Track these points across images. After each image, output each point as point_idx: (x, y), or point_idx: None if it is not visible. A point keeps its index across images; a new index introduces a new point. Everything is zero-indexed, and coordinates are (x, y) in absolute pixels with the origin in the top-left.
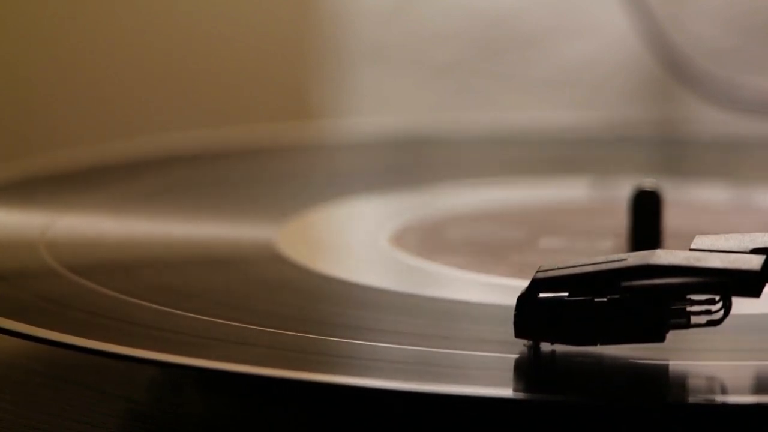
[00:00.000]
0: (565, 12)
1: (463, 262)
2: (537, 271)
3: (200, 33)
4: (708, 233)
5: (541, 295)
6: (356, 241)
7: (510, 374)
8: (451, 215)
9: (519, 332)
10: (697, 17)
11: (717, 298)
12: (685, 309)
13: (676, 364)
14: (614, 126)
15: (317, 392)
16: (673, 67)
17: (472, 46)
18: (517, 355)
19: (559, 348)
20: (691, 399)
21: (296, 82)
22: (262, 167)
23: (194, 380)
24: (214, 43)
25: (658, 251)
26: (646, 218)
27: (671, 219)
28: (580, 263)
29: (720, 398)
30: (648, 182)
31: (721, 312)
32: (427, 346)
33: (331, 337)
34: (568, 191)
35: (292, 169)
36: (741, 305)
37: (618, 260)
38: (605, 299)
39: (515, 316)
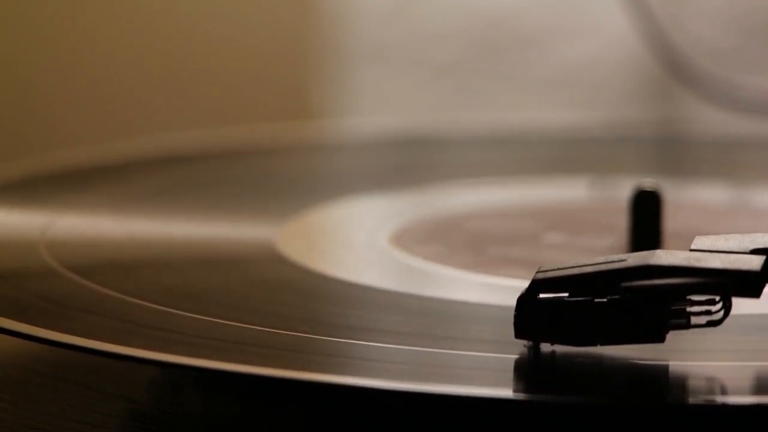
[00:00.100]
0: (565, 12)
1: (463, 263)
2: (537, 272)
3: (200, 33)
4: (708, 233)
5: (541, 295)
6: (356, 241)
7: (510, 375)
8: (451, 215)
9: (519, 333)
10: (697, 17)
11: (717, 298)
12: (685, 309)
13: (676, 365)
14: (614, 126)
15: (317, 392)
16: (673, 67)
17: (472, 46)
18: (517, 356)
19: (559, 348)
20: (691, 399)
21: (296, 82)
22: (262, 167)
23: (194, 380)
24: (214, 43)
25: (658, 252)
26: (646, 218)
27: (671, 219)
28: (580, 264)
29: (720, 399)
30: (648, 182)
31: (721, 312)
32: (427, 347)
33: (330, 337)
34: (568, 191)
35: (292, 169)
36: (741, 305)
37: (618, 261)
38: (605, 300)
39: (515, 316)
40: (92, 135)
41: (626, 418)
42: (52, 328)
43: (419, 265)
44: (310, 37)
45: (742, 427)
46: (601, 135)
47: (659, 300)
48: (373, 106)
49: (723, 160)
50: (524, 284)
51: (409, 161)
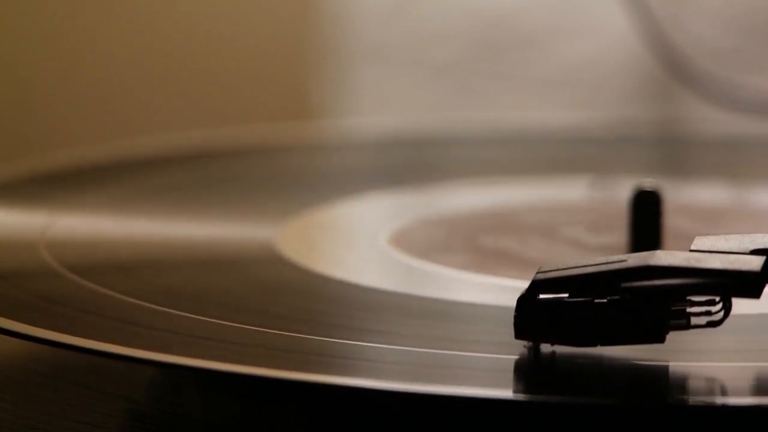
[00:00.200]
0: (565, 12)
1: (463, 263)
2: (537, 272)
3: (200, 33)
4: (708, 233)
5: (541, 296)
6: (356, 241)
7: (510, 375)
8: (452, 215)
9: (519, 333)
10: (697, 17)
11: (717, 299)
12: (685, 310)
13: (676, 365)
14: (614, 126)
15: (317, 393)
16: (673, 67)
17: (472, 46)
18: (517, 357)
19: (559, 349)
20: (691, 400)
21: (296, 82)
22: (262, 167)
23: (194, 380)
24: (214, 43)
25: (658, 252)
26: (646, 218)
27: (671, 219)
28: (580, 264)
29: (720, 399)
30: (648, 182)
31: (721, 313)
32: (427, 347)
33: (330, 337)
34: (568, 191)
35: (292, 169)
36: (741, 305)
37: (618, 261)
38: (605, 300)
39: (515, 317)
40: (92, 135)
41: (626, 418)
42: (52, 328)
43: (419, 266)
44: (310, 37)
45: (743, 428)
46: (601, 135)
47: (659, 300)
48: (373, 106)
49: (723, 160)
50: (524, 285)
51: (409, 161)
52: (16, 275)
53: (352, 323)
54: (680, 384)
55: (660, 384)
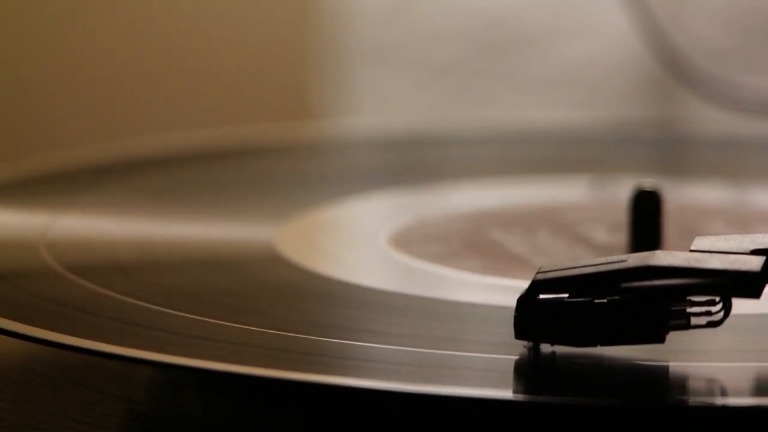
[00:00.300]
0: (565, 12)
1: (463, 263)
2: (537, 272)
3: (200, 33)
4: (708, 233)
5: (541, 296)
6: (356, 241)
7: (510, 375)
8: (452, 215)
9: (519, 333)
10: (697, 17)
11: (717, 299)
12: (685, 310)
13: (676, 365)
14: (614, 126)
15: (317, 393)
16: (673, 67)
17: (472, 46)
18: (517, 357)
19: (559, 349)
20: (691, 400)
21: (296, 82)
22: (262, 167)
23: (194, 381)
24: (214, 43)
25: (658, 252)
26: (646, 218)
27: (671, 219)
28: (580, 264)
29: (720, 399)
30: (648, 182)
31: (721, 313)
32: (427, 348)
33: (330, 338)
34: (568, 191)
35: (292, 169)
36: (741, 305)
37: (618, 261)
38: (605, 300)
39: (515, 317)
40: (92, 135)
41: (626, 418)
42: (52, 329)
43: (419, 266)
44: (310, 37)
45: (743, 428)
46: (601, 135)
47: (659, 301)
48: (373, 106)
49: (723, 160)
50: (524, 285)
51: (409, 161)
52: (16, 275)
53: (352, 323)
54: (680, 384)
55: (660, 384)
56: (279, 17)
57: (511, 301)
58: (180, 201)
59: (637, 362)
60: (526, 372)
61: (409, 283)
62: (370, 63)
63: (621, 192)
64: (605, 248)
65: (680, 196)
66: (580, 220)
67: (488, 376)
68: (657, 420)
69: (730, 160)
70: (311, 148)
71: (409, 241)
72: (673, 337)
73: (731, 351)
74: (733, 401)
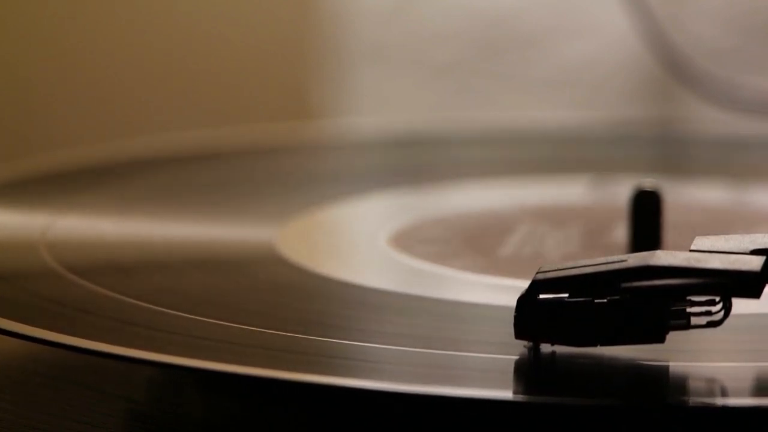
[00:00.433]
0: (565, 12)
1: (464, 263)
2: (537, 272)
3: (200, 33)
4: (708, 233)
5: (541, 296)
6: (356, 241)
7: (510, 375)
8: (452, 215)
9: (519, 333)
10: (697, 17)
11: (717, 299)
12: (685, 310)
13: (676, 365)
14: (614, 126)
15: (316, 394)
16: (673, 67)
17: (472, 46)
18: (517, 357)
19: (559, 349)
20: (691, 400)
21: (296, 82)
22: (262, 167)
23: (194, 381)
24: (214, 43)
25: (658, 252)
26: (646, 218)
27: (671, 219)
28: (580, 264)
29: (720, 400)
30: (648, 182)
31: (721, 313)
32: (427, 347)
33: (330, 338)
34: (568, 191)
35: (292, 169)
36: (741, 305)
37: (618, 261)
38: (605, 300)
39: (515, 317)
40: (92, 135)
41: (626, 418)
42: (52, 329)
43: (419, 266)
44: (310, 37)
45: (743, 428)
46: (601, 135)
47: (659, 300)
48: (373, 106)
49: (723, 160)
50: (524, 285)
51: (409, 161)
52: (16, 276)
53: (352, 323)
54: (680, 384)
55: (660, 384)
56: (279, 17)
57: (511, 301)
58: (180, 201)
59: (637, 362)
60: (526, 372)
61: (409, 283)
62: (370, 63)
63: (621, 192)
64: (605, 248)
65: (680, 196)
66: (579, 220)
67: (488, 376)
68: (657, 420)
69: (730, 160)
70: (311, 148)
71: (409, 241)
72: (673, 337)
73: (731, 351)
74: (733, 401)
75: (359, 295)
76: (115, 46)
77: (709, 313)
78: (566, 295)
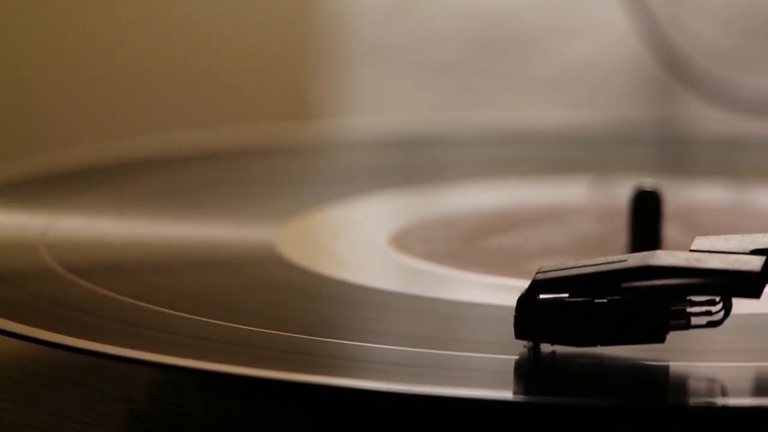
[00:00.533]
0: (565, 12)
1: (463, 263)
2: (537, 272)
3: (200, 33)
4: (708, 233)
5: (542, 296)
6: (356, 241)
7: (510, 375)
8: (452, 215)
9: (519, 333)
10: (697, 17)
11: (717, 299)
12: (685, 310)
13: (676, 365)
14: (614, 126)
15: (317, 394)
16: (673, 67)
17: (472, 46)
18: (517, 357)
19: (560, 349)
20: (691, 400)
21: (296, 82)
22: (262, 167)
23: (194, 381)
24: (214, 43)
25: (658, 252)
26: (646, 218)
27: (671, 219)
28: (580, 264)
29: (720, 400)
30: (648, 182)
31: (722, 313)
32: (427, 348)
33: (329, 338)
34: (568, 191)
35: (292, 169)
36: (741, 305)
37: (618, 261)
38: (605, 300)
39: (515, 317)
40: (92, 135)
41: (626, 418)
42: (52, 329)
43: (419, 266)
44: (310, 37)
45: (743, 428)
46: (601, 135)
47: (659, 300)
48: (373, 106)
49: (723, 160)
50: (524, 284)
51: (409, 161)
52: (16, 276)
53: (352, 323)
54: (680, 384)
55: (660, 384)
56: (279, 17)
57: (511, 301)
58: (180, 201)
59: (637, 362)
60: (526, 372)
61: (409, 283)
62: (370, 63)
63: (621, 192)
64: (605, 248)
65: (680, 196)
66: (579, 220)
67: (488, 376)
68: (657, 420)
69: (730, 160)
70: (311, 148)
71: (409, 241)
72: (673, 337)
73: (731, 351)
74: (733, 401)
75: (359, 295)
76: (115, 46)
77: (709, 313)
78: (566, 295)
